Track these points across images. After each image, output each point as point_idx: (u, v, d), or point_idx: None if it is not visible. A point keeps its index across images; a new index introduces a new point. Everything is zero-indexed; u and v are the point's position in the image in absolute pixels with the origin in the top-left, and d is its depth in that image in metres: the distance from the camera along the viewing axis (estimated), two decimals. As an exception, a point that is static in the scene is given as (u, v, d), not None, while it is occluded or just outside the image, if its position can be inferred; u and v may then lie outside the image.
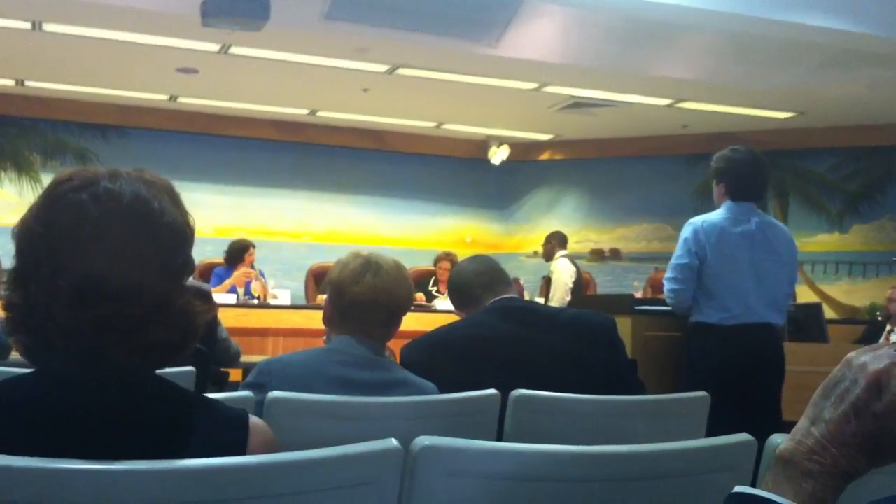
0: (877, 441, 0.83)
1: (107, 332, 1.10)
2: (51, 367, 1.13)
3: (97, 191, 1.14)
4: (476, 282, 2.64)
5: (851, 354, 0.87)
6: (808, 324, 5.13)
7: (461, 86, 7.89)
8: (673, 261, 3.72)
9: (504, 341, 2.45)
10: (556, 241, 8.22)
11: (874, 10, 5.93)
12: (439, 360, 2.41)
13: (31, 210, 1.16)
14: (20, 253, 1.15)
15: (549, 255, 8.23)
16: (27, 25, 6.53)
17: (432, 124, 9.92)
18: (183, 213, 1.20)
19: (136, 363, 1.14)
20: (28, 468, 0.97)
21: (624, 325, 3.68)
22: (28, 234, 1.14)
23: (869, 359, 0.85)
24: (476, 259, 2.80)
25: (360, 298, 2.20)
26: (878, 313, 7.42)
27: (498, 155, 10.32)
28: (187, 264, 1.20)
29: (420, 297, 7.62)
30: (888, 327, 6.40)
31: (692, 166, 9.43)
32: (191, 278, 1.25)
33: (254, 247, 7.60)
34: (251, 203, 9.81)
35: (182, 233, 1.19)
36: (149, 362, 1.16)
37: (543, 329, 2.49)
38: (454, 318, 7.63)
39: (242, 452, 1.16)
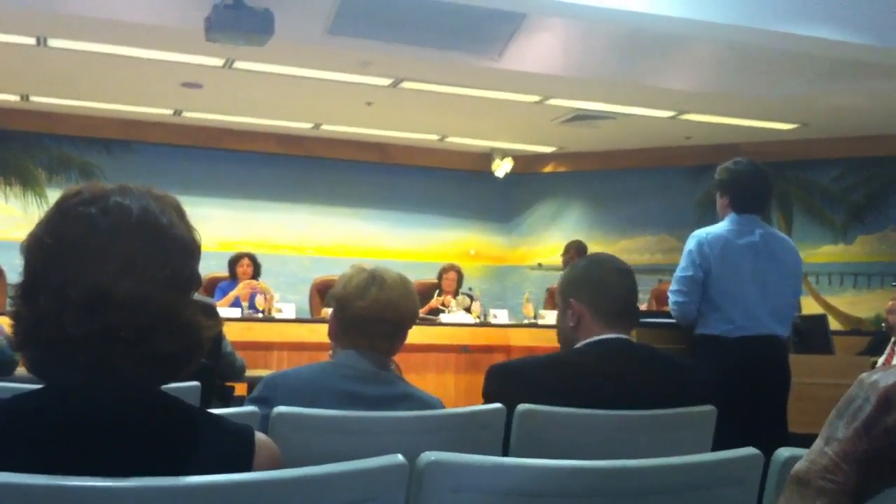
0: (889, 458, 0.83)
1: (114, 343, 1.11)
2: (58, 380, 1.14)
3: (107, 205, 1.16)
4: (620, 296, 2.30)
5: (864, 374, 0.87)
6: (813, 335, 5.12)
7: (464, 99, 7.90)
8: (677, 273, 3.72)
9: (595, 386, 2.17)
10: (574, 251, 7.99)
11: (876, 21, 5.94)
12: (519, 391, 2.12)
13: (40, 224, 1.18)
14: (29, 265, 1.16)
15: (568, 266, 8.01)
16: (32, 41, 6.56)
17: (436, 137, 9.94)
18: (189, 229, 1.22)
19: (143, 374, 1.15)
20: (35, 485, 0.97)
21: (628, 338, 3.68)
22: (37, 246, 1.15)
23: (880, 376, 0.85)
24: (628, 272, 2.39)
25: (365, 312, 2.20)
26: (882, 324, 7.41)
27: (501, 167, 10.34)
28: (194, 278, 1.22)
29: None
30: (893, 339, 6.38)
31: (695, 178, 9.43)
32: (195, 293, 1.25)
33: (249, 256, 7.58)
34: (255, 217, 9.82)
35: (189, 247, 1.21)
36: (155, 374, 1.17)
37: (640, 381, 2.22)
38: (457, 329, 7.58)
39: (248, 469, 1.16)
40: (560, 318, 2.39)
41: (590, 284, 2.32)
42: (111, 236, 1.14)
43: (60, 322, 1.11)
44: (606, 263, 2.41)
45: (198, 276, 1.23)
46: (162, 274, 1.15)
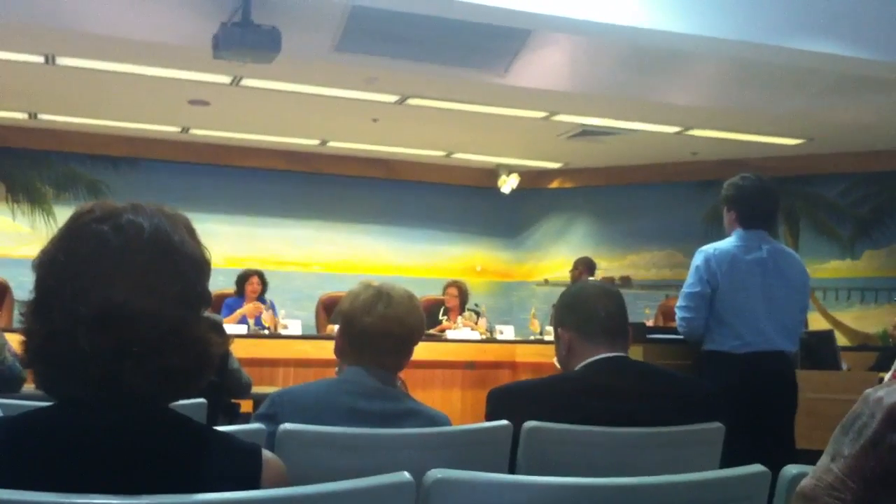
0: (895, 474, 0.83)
1: (126, 358, 1.12)
2: (69, 396, 1.15)
3: (119, 222, 1.17)
4: (601, 317, 2.29)
5: (869, 390, 0.87)
6: (820, 351, 5.10)
7: (470, 115, 7.92)
8: (685, 289, 3.72)
9: (596, 403, 2.17)
10: (583, 267, 7.99)
11: (880, 36, 5.95)
12: (521, 412, 2.10)
13: (52, 241, 1.19)
14: (41, 282, 1.17)
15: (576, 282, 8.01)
16: (40, 59, 6.60)
17: (442, 153, 9.96)
18: (200, 247, 1.24)
19: (153, 391, 1.15)
20: (45, 502, 0.98)
21: (636, 354, 3.67)
22: (50, 263, 1.16)
23: (884, 393, 0.85)
24: (612, 294, 2.41)
25: (372, 328, 2.20)
26: (890, 340, 7.38)
27: (507, 183, 10.34)
28: (204, 295, 1.23)
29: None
30: (901, 353, 6.35)
31: (702, 193, 9.43)
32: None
33: (258, 274, 7.59)
34: (261, 233, 9.85)
35: (200, 264, 1.22)
36: (165, 390, 1.18)
37: (640, 396, 2.22)
38: (463, 346, 7.54)
39: (256, 486, 1.17)
40: (556, 347, 2.45)
41: (573, 310, 2.37)
42: (123, 253, 1.15)
43: (72, 338, 1.12)
44: (590, 288, 2.47)
45: (208, 293, 1.24)
46: (173, 290, 1.16)
